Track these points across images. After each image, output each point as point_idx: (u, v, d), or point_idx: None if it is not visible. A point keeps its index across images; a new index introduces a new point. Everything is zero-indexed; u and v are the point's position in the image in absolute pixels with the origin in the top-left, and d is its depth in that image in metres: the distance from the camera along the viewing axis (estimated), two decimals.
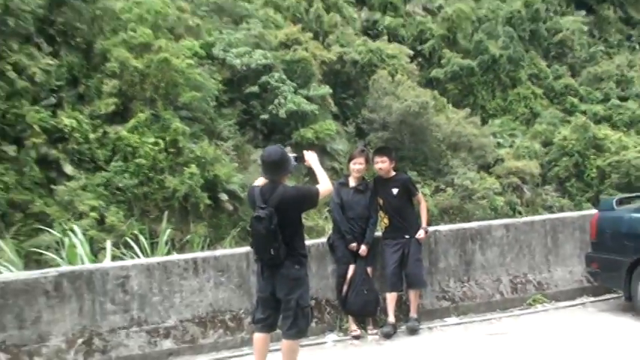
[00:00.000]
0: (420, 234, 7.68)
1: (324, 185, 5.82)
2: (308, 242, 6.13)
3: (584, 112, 38.48)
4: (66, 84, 24.93)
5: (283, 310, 5.73)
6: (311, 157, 6.05)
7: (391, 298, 7.61)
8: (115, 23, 26.76)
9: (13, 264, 10.03)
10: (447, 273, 8.25)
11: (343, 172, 23.04)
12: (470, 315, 8.17)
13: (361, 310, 7.49)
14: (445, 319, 8.04)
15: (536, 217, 9.55)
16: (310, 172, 6.04)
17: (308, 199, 5.77)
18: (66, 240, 10.34)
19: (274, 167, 5.75)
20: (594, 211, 9.01)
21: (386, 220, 7.74)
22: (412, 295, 7.69)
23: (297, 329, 5.73)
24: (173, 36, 28.86)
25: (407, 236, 7.64)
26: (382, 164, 7.75)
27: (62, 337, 6.46)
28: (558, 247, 8.87)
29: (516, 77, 40.57)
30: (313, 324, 6.79)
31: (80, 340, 6.51)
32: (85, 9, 25.38)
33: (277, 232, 5.53)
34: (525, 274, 8.67)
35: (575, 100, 40.73)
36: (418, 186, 8.92)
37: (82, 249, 9.88)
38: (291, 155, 5.89)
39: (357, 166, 7.69)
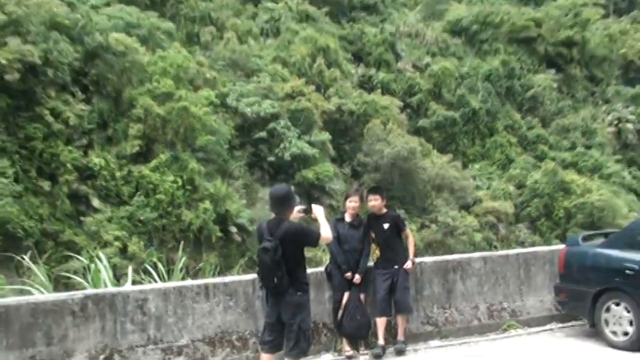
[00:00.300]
0: (408, 264, 7.66)
1: (325, 233, 5.77)
2: (307, 271, 6.08)
3: (553, 159, 38.57)
4: (96, 127, 25.04)
5: (287, 332, 5.69)
6: (317, 210, 5.99)
7: (381, 322, 7.56)
8: (141, 75, 26.96)
9: (43, 286, 9.92)
10: (431, 300, 8.20)
11: (340, 209, 22.98)
12: (450, 338, 8.10)
13: (354, 333, 7.43)
14: (429, 342, 7.97)
15: (511, 251, 9.47)
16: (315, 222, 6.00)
17: (309, 237, 5.74)
18: (92, 266, 10.24)
19: (279, 202, 5.77)
20: (562, 246, 8.97)
21: (377, 252, 7.72)
22: (400, 319, 7.64)
23: (299, 350, 5.69)
24: (192, 87, 29.06)
25: (396, 266, 7.61)
26: (375, 202, 7.77)
27: (86, 354, 6.39)
28: (530, 279, 8.83)
29: (494, 127, 40.75)
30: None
31: (102, 357, 6.44)
32: (116, 62, 25.61)
33: (281, 262, 5.51)
34: (501, 302, 8.61)
35: (546, 148, 40.88)
36: (406, 222, 8.88)
37: (105, 274, 9.78)
38: (300, 207, 5.88)
39: (352, 203, 7.69)
